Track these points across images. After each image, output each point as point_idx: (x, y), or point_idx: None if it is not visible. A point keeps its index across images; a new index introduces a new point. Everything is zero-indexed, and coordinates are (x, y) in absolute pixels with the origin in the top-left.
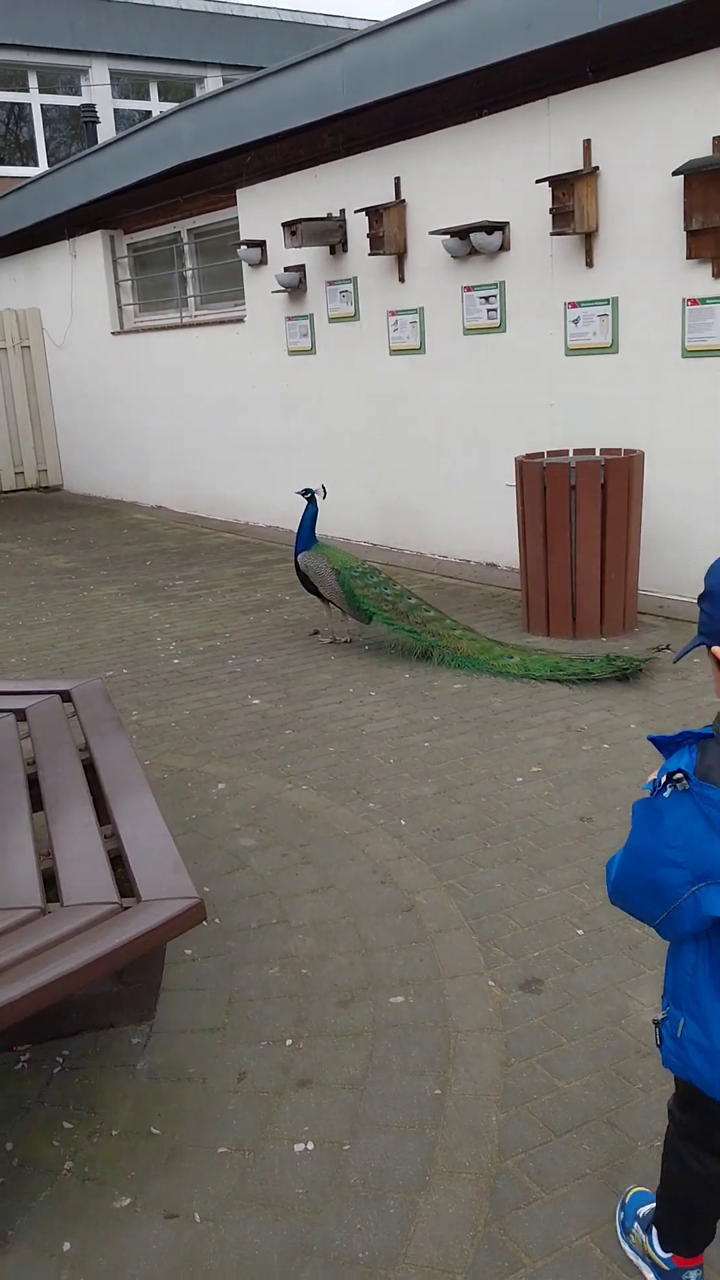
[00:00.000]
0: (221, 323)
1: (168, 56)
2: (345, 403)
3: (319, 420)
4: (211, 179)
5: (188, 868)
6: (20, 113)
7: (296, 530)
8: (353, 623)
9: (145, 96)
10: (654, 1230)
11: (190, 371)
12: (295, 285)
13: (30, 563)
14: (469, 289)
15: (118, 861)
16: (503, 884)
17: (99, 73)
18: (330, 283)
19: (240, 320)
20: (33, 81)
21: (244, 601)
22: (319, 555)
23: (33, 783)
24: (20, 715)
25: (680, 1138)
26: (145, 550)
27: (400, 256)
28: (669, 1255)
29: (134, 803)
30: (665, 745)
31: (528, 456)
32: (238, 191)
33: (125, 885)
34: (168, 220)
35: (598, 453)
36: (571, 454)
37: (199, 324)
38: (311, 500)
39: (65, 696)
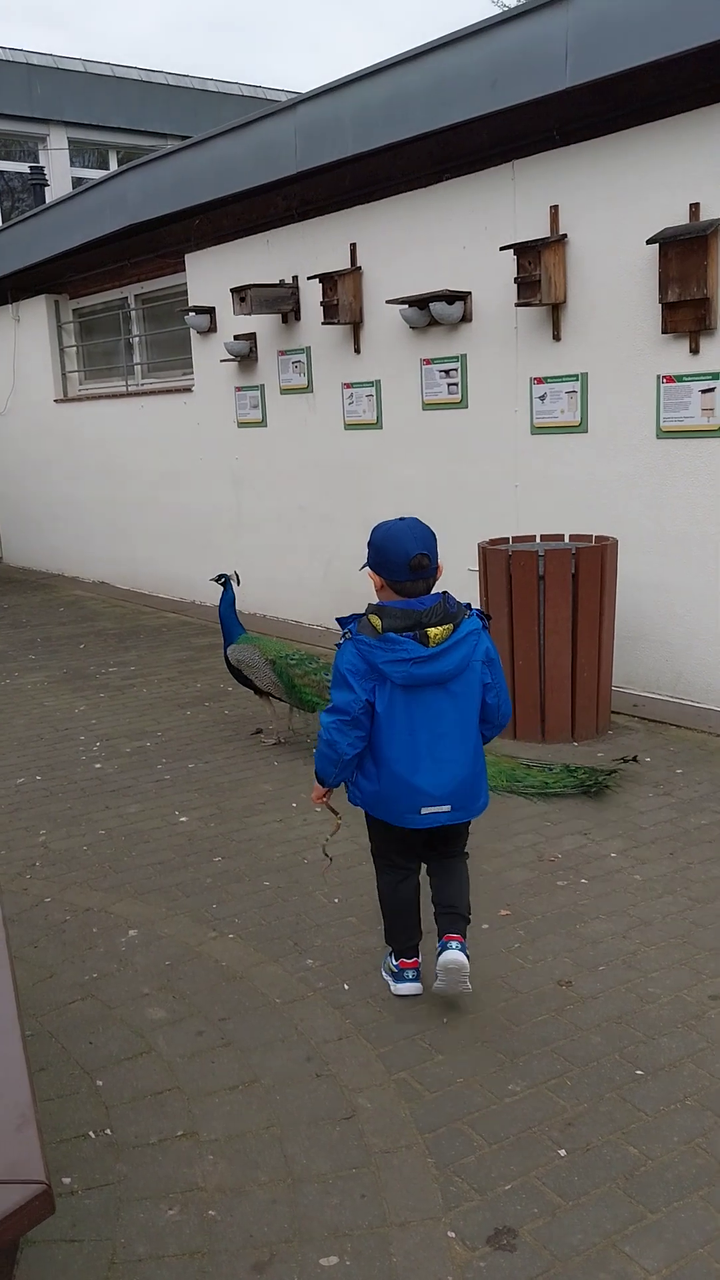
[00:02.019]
0: (168, 392)
1: (128, 127)
2: (297, 478)
3: (269, 496)
4: (159, 242)
5: (81, 1048)
6: None
7: (220, 622)
8: (296, 715)
9: (105, 165)
10: (388, 952)
11: (135, 442)
12: (245, 354)
13: None
14: (428, 362)
15: None
16: (465, 1078)
17: (57, 140)
18: (282, 352)
19: (188, 389)
20: None
21: (181, 693)
22: (250, 647)
23: None
24: None
25: (373, 856)
26: (80, 631)
27: (356, 326)
28: (396, 961)
29: None
30: (343, 622)
31: (491, 542)
32: (186, 256)
33: None
34: (114, 285)
35: (567, 539)
36: (539, 540)
37: (145, 393)
38: (226, 586)
39: None
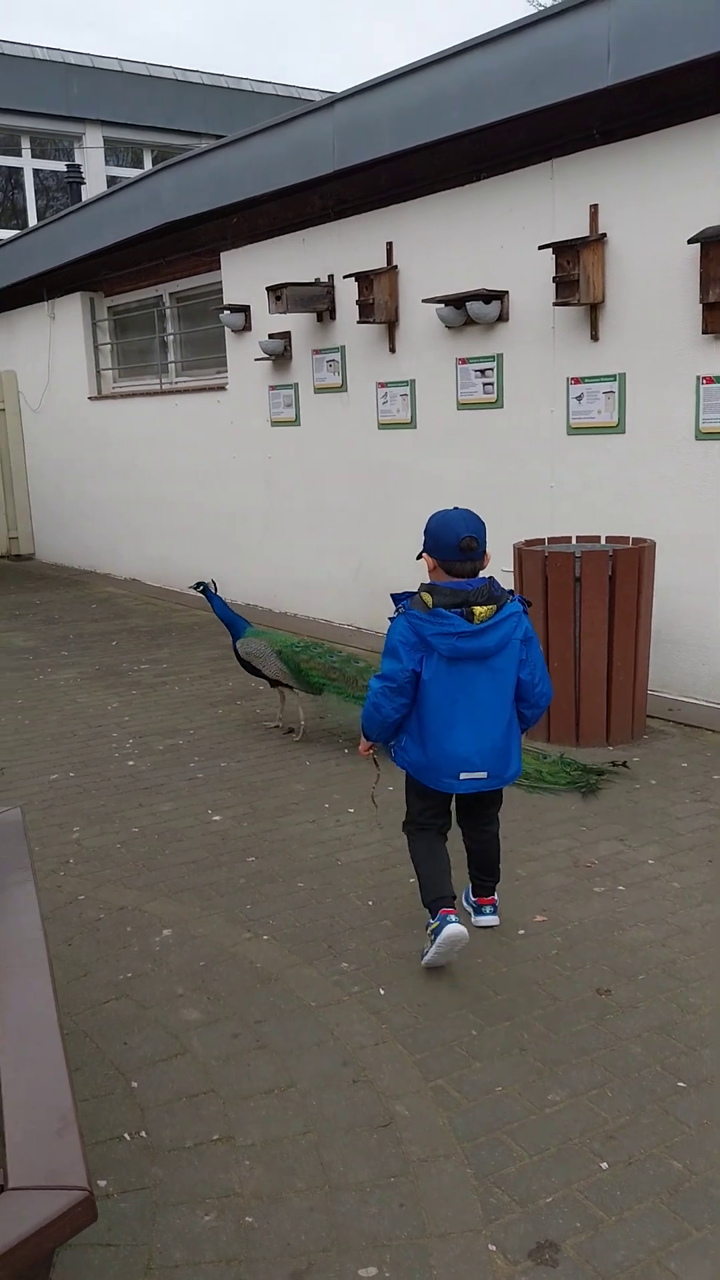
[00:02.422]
0: (202, 390)
1: (163, 126)
2: (330, 478)
3: (301, 496)
4: (195, 241)
5: (116, 1048)
6: (14, 178)
7: (223, 623)
8: (303, 705)
9: (140, 164)
10: (428, 910)
11: (168, 440)
12: (280, 353)
13: None
14: (464, 361)
15: None
16: (504, 1086)
17: (93, 139)
18: (317, 351)
19: (222, 388)
20: (26, 145)
21: (213, 691)
22: (257, 639)
23: None
24: None
25: (404, 825)
26: (112, 628)
27: (391, 325)
28: (435, 915)
29: (27, 1007)
30: (397, 598)
31: (527, 543)
32: (222, 254)
33: None
34: (149, 283)
35: (603, 541)
36: (575, 541)
37: (179, 391)
38: (207, 591)
39: None
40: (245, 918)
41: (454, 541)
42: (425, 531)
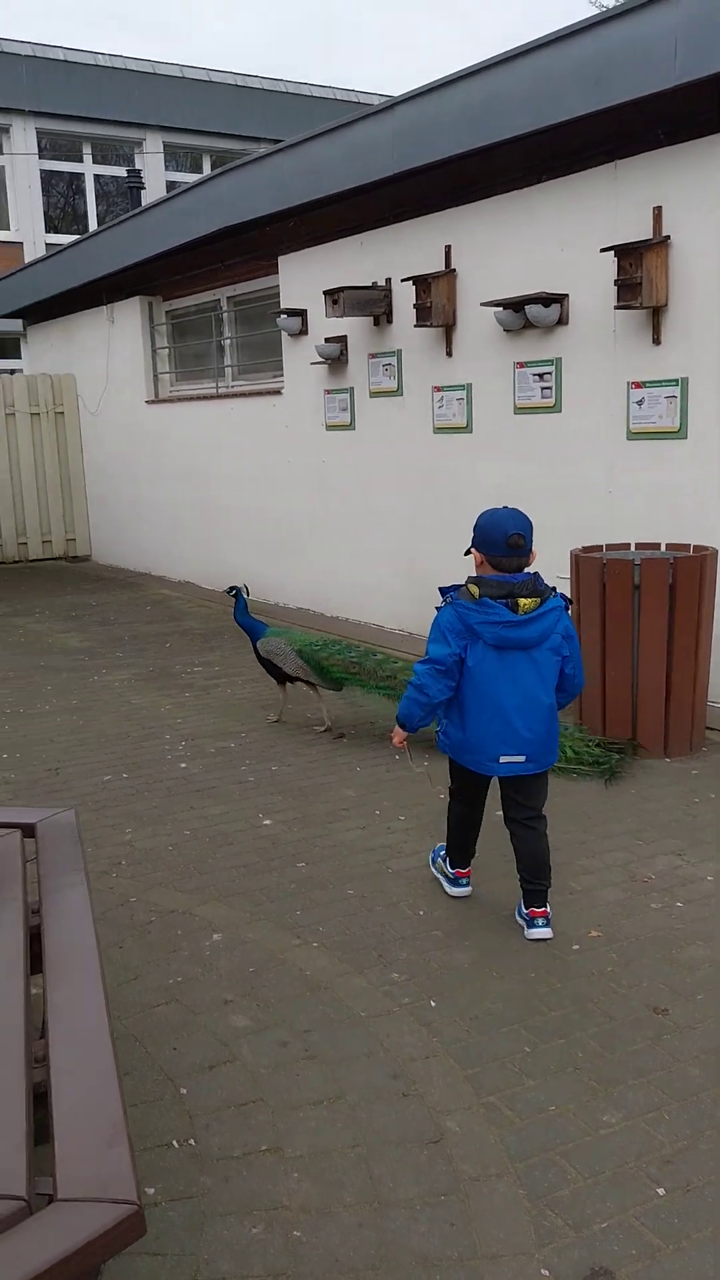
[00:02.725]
0: (258, 394)
1: (223, 131)
2: (384, 482)
3: (355, 499)
4: (253, 245)
5: (165, 1054)
6: (75, 183)
7: (242, 629)
8: (324, 694)
9: (199, 169)
10: (446, 858)
11: (223, 444)
12: (336, 357)
13: (43, 640)
14: (522, 365)
15: (42, 1100)
16: (558, 1105)
17: (153, 144)
18: (373, 355)
19: (277, 392)
20: (87, 151)
21: (264, 694)
22: (277, 639)
23: None
24: None
25: (450, 793)
26: (166, 630)
27: (448, 329)
28: (454, 870)
29: (79, 1014)
30: (444, 590)
31: (584, 550)
32: (280, 258)
33: (46, 1152)
34: (207, 287)
35: (664, 548)
36: (634, 548)
37: (235, 395)
38: (238, 597)
39: (29, 831)
40: (295, 924)
41: (502, 538)
42: (475, 528)
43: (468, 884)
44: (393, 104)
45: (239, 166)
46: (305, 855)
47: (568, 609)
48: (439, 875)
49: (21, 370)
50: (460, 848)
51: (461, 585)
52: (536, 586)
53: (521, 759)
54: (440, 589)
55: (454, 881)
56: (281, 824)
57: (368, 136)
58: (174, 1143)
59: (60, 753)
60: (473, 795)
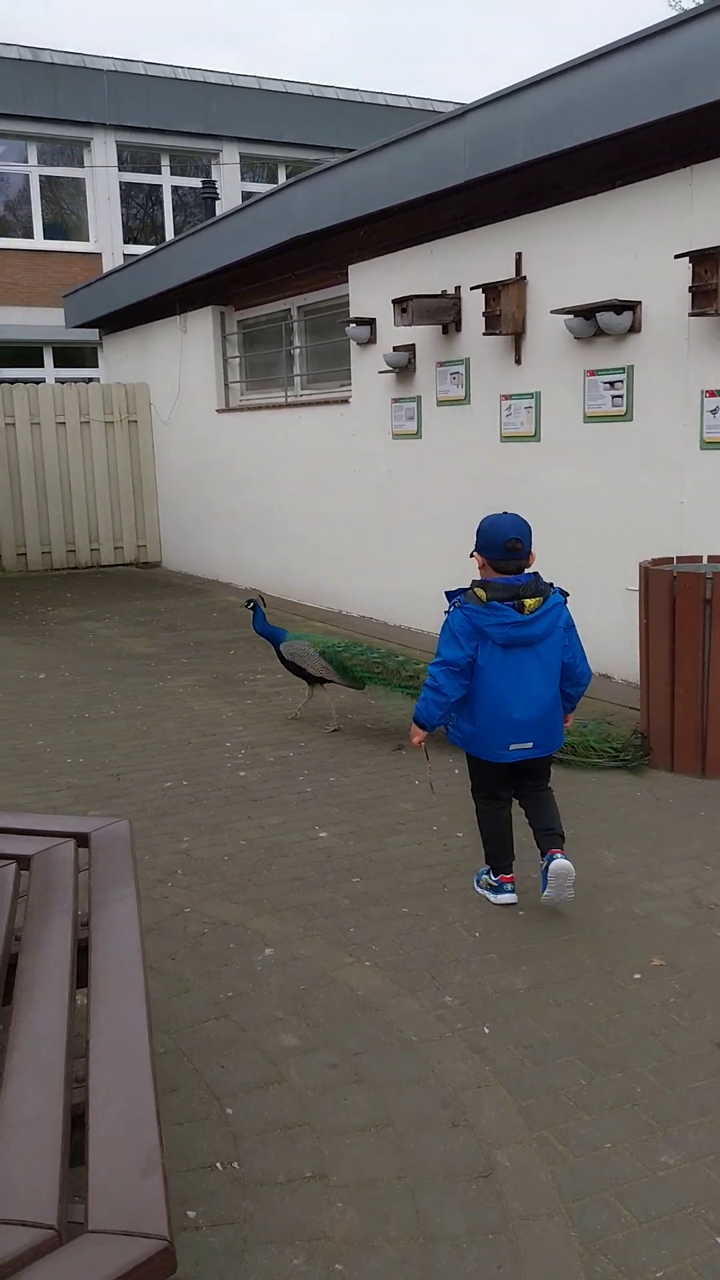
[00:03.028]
0: (325, 403)
1: (298, 141)
2: (450, 491)
3: (420, 508)
4: (324, 254)
5: (212, 1071)
6: (154, 195)
7: (263, 636)
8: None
9: (274, 180)
10: (486, 869)
11: (290, 452)
12: (404, 365)
13: (111, 645)
14: (592, 373)
15: (80, 1122)
16: (614, 1143)
17: (229, 155)
18: (441, 364)
19: (345, 401)
20: (165, 163)
21: (325, 703)
22: (300, 641)
23: (11, 966)
24: (24, 863)
25: (473, 793)
26: (231, 637)
27: (518, 336)
28: (497, 878)
29: (120, 1034)
30: (450, 594)
31: (654, 562)
32: (350, 267)
33: (81, 1178)
34: (279, 297)
35: None
36: (706, 561)
37: (303, 404)
38: (256, 608)
39: (83, 840)
40: (348, 941)
41: (501, 542)
42: (477, 533)
43: (513, 890)
44: (464, 111)
45: (310, 176)
46: (360, 870)
47: (565, 602)
48: (484, 892)
49: (99, 379)
50: (498, 846)
51: (467, 589)
52: (538, 586)
53: (529, 745)
54: (447, 593)
55: (498, 889)
56: (337, 837)
57: (439, 144)
58: (218, 1165)
59: (122, 758)
60: (494, 784)
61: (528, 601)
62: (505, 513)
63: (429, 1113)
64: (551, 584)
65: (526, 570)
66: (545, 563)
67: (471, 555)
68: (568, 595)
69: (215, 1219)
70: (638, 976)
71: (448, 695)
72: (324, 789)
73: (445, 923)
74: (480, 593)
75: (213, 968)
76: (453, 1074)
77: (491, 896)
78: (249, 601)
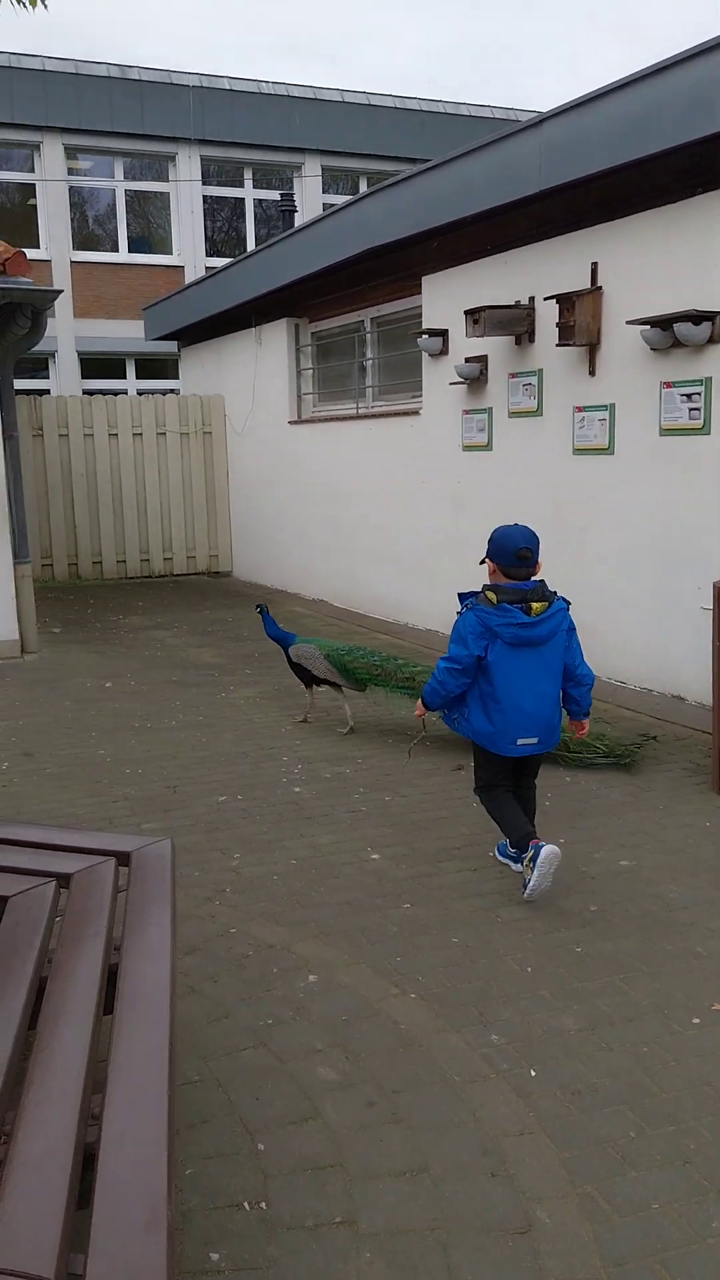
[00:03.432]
0: (396, 415)
1: (380, 153)
2: (520, 504)
3: (490, 522)
4: (397, 265)
5: (247, 1103)
6: (237, 208)
7: (274, 640)
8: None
9: (356, 191)
10: (508, 846)
11: (361, 464)
12: (475, 377)
13: (178, 655)
14: (669, 385)
15: (92, 1163)
16: (662, 1203)
17: (312, 168)
18: (513, 375)
19: (415, 413)
20: (248, 176)
21: (385, 719)
22: (307, 645)
23: (41, 989)
24: (64, 881)
25: (479, 789)
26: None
27: (592, 348)
28: (526, 846)
29: (140, 1069)
30: (463, 596)
31: None
32: (423, 278)
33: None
34: (352, 308)
35: None
36: None
37: (374, 415)
38: (265, 613)
39: (124, 859)
40: (394, 970)
41: (512, 550)
42: (490, 541)
43: (545, 844)
44: (540, 120)
45: (385, 188)
46: (411, 895)
47: (568, 608)
48: (505, 860)
49: (179, 391)
50: (515, 824)
51: (479, 593)
52: (544, 592)
53: (535, 740)
54: (459, 595)
55: (533, 851)
56: (389, 859)
57: (515, 153)
58: (245, 1204)
59: (180, 770)
60: (499, 776)
61: (535, 605)
62: (516, 524)
63: (467, 1160)
64: (555, 591)
65: (533, 578)
66: (618, 578)
67: (482, 562)
68: (570, 603)
69: (239, 1263)
70: (697, 1021)
71: (448, 690)
72: (378, 808)
73: (495, 955)
74: (491, 595)
75: (254, 993)
76: (495, 1119)
77: (536, 866)
78: (258, 606)
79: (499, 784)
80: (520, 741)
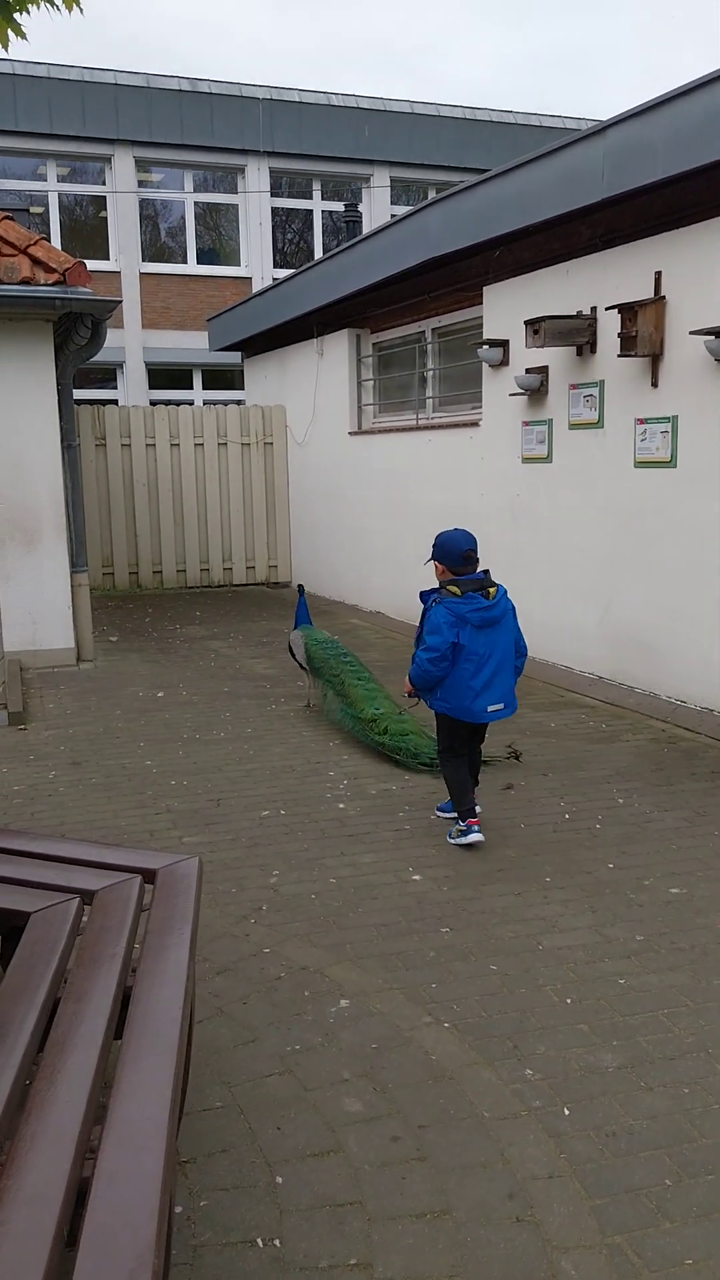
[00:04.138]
0: (456, 426)
1: (449, 164)
2: (580, 517)
3: (548, 534)
4: (459, 276)
5: (268, 1133)
6: (307, 219)
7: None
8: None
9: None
10: (455, 815)
11: (419, 475)
12: (535, 388)
13: (232, 665)
14: None
15: (85, 1200)
16: (697, 1259)
17: (380, 179)
18: (574, 386)
19: (475, 424)
20: (316, 188)
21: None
22: (302, 634)
23: (55, 1010)
24: (88, 898)
25: (441, 750)
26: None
27: (655, 358)
28: (465, 823)
29: (141, 1104)
30: (425, 594)
31: None
32: (484, 288)
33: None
34: (413, 319)
35: None
36: None
37: (433, 426)
38: (301, 591)
39: (149, 876)
40: (428, 998)
41: (460, 553)
42: (435, 545)
43: (479, 831)
44: (604, 127)
45: (446, 197)
46: (451, 919)
47: (505, 592)
48: (455, 841)
49: (244, 401)
50: (465, 794)
51: (440, 589)
52: (490, 579)
53: (501, 705)
54: (421, 594)
55: (466, 831)
56: (431, 881)
57: (578, 161)
58: (258, 1240)
59: (226, 783)
60: (460, 744)
61: (490, 590)
62: (456, 529)
63: (492, 1203)
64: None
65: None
66: (681, 595)
67: (427, 563)
68: (505, 588)
69: None
70: None
71: (434, 678)
72: (423, 827)
73: (535, 985)
74: (455, 589)
75: (284, 1016)
76: (524, 1160)
77: (464, 839)
78: (299, 586)
79: (458, 750)
80: (490, 709)
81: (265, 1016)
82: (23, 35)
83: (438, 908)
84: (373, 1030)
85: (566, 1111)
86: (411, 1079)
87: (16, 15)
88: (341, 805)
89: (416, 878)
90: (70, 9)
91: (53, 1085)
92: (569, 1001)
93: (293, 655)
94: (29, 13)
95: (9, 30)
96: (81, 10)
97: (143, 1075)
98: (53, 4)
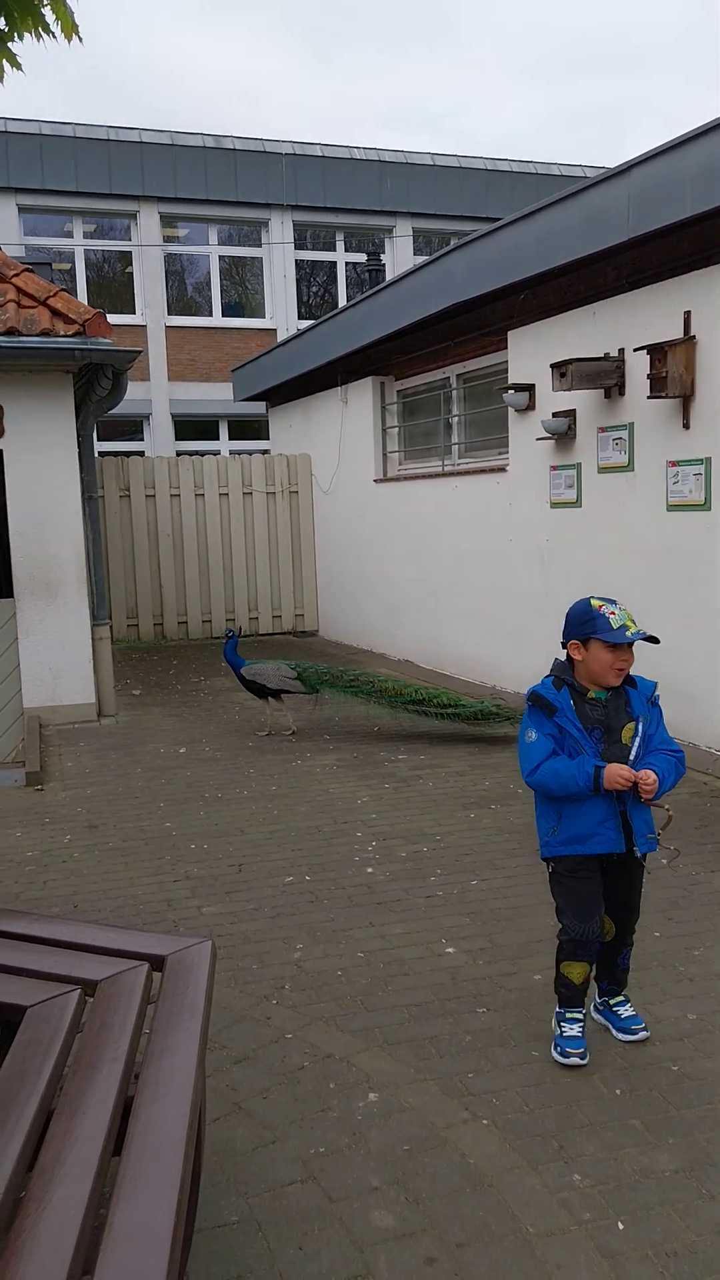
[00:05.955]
0: (482, 471)
1: (471, 214)
2: (611, 562)
3: (580, 580)
4: (483, 321)
5: (289, 1254)
6: (330, 271)
7: (229, 663)
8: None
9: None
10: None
11: (447, 522)
12: (563, 432)
13: (257, 718)
14: None
15: None
16: None
17: (403, 230)
18: (603, 429)
19: (502, 469)
20: (339, 240)
21: (468, 790)
22: (277, 662)
23: (47, 1124)
24: (89, 989)
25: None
26: (377, 711)
27: (686, 399)
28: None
29: (137, 1246)
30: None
31: None
32: (509, 333)
33: None
34: (437, 365)
35: None
36: None
37: (459, 473)
38: (232, 636)
39: (158, 964)
40: (465, 1090)
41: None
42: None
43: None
44: (628, 167)
45: (469, 243)
46: (488, 998)
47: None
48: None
49: (269, 450)
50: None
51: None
52: None
53: None
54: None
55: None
56: (466, 954)
57: (601, 202)
58: None
59: (248, 846)
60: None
61: None
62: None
63: None
64: None
65: None
66: (713, 646)
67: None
68: None
69: None
70: None
71: None
72: (456, 894)
73: (583, 1074)
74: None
75: (308, 1113)
76: None
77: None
78: (229, 632)
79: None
80: None
81: (287, 1113)
82: (18, 66)
83: (473, 985)
84: (404, 1129)
85: (620, 1225)
86: (447, 1187)
87: (11, 44)
88: (370, 870)
89: (450, 950)
90: (70, 38)
91: (37, 1224)
92: (618, 1092)
93: (263, 688)
94: (22, 39)
95: (4, 60)
96: (80, 40)
97: (141, 1214)
98: (50, 33)
